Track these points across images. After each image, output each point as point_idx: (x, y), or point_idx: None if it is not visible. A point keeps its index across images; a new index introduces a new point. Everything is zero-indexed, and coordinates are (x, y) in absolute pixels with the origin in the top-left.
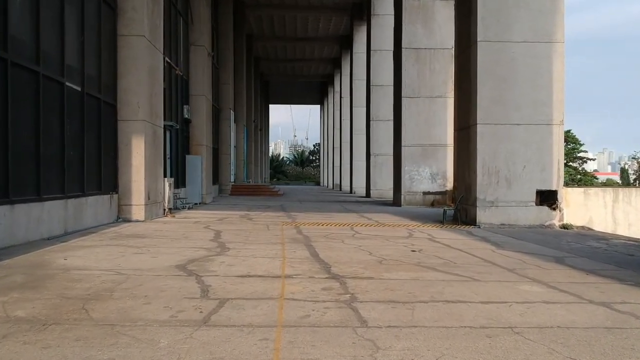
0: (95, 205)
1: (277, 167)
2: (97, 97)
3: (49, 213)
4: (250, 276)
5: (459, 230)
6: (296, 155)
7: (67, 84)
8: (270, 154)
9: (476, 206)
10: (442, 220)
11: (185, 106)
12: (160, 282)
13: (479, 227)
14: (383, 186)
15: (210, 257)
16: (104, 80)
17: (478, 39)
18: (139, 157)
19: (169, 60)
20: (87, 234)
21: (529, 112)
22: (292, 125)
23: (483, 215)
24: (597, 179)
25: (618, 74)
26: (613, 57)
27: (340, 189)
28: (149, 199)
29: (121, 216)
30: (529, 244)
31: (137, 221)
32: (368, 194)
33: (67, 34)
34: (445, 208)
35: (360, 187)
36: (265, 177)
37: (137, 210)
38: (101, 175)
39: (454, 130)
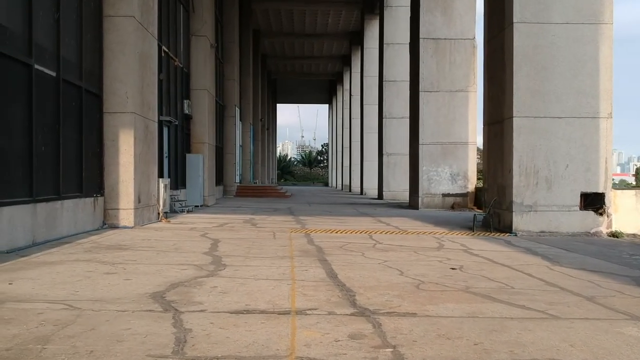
0: (74, 210)
1: (285, 168)
2: (78, 85)
3: (10, 221)
4: (248, 312)
5: (494, 239)
6: (304, 156)
7: (37, 67)
8: (277, 154)
9: (512, 211)
10: (472, 227)
11: (185, 101)
12: (122, 325)
13: (516, 235)
14: (397, 187)
15: (199, 278)
16: (86, 66)
17: (514, 20)
18: (127, 154)
19: (166, 50)
20: (59, 245)
21: (571, 104)
22: (299, 126)
23: (520, 221)
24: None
25: (625, 74)
26: (619, 57)
27: (350, 190)
28: (139, 202)
29: (107, 222)
30: (587, 258)
31: (125, 227)
32: (380, 196)
33: (35, 8)
34: (476, 213)
35: (371, 188)
36: (272, 178)
37: (126, 215)
38: (82, 175)
39: (484, 124)
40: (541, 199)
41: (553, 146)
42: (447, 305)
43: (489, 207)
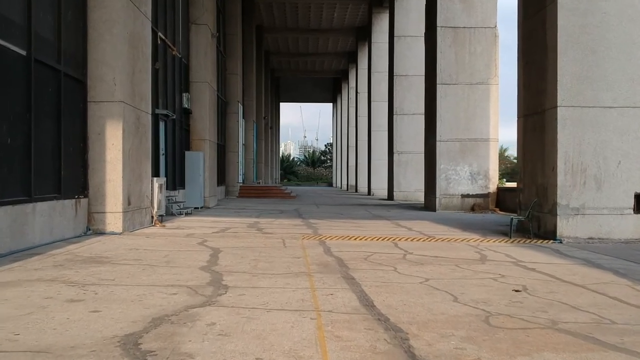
0: (49, 215)
1: (288, 168)
2: (56, 68)
3: None
4: None
5: (540, 248)
6: (307, 156)
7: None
8: (280, 154)
9: (555, 214)
10: (507, 232)
11: (184, 94)
12: None
13: (561, 242)
14: (408, 187)
15: (192, 309)
16: (66, 47)
17: None
18: (115, 149)
19: (163, 37)
20: (26, 258)
21: (624, 92)
22: (302, 126)
23: (565, 226)
24: None
25: None
26: None
27: (356, 191)
28: (129, 204)
29: (92, 227)
30: None
31: (113, 234)
32: (391, 196)
33: None
34: (513, 217)
35: (379, 188)
36: (275, 178)
37: (113, 220)
38: (61, 173)
39: (518, 116)
40: (589, 201)
41: (603, 140)
42: (545, 357)
43: (527, 210)
